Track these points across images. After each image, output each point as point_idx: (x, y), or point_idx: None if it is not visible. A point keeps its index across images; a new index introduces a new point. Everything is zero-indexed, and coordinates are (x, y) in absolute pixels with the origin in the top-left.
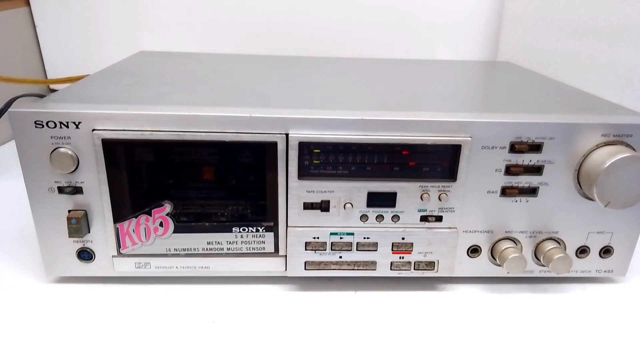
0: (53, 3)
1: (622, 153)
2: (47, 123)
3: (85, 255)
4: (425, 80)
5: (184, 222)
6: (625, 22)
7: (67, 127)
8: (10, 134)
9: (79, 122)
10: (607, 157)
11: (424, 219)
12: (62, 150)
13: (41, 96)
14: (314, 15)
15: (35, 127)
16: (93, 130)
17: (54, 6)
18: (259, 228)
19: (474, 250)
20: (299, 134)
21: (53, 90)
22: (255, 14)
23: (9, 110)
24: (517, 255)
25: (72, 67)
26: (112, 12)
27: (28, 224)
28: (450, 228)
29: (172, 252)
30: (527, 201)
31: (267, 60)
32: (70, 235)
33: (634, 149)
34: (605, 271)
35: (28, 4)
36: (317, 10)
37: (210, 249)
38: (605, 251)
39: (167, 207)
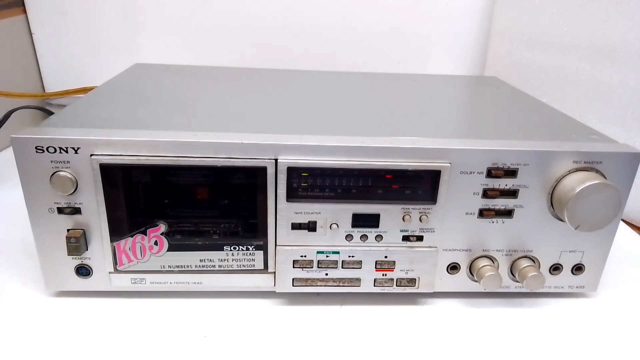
0: (50, 11)
1: (591, 180)
2: (47, 148)
3: (83, 271)
4: (411, 99)
5: (178, 241)
6: (606, 42)
7: (67, 152)
8: (7, 143)
9: (78, 148)
10: (577, 183)
11: (405, 238)
12: (61, 173)
13: (39, 109)
14: (308, 26)
15: (36, 152)
16: (91, 155)
17: (51, 15)
18: (249, 247)
19: (453, 267)
20: (287, 160)
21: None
22: (250, 24)
23: (11, 136)
24: (493, 273)
25: (69, 76)
26: (110, 20)
27: (28, 235)
28: (430, 247)
29: (167, 268)
30: (503, 222)
31: (260, 75)
32: (70, 253)
33: (604, 175)
34: (577, 287)
35: (25, 12)
36: (311, 21)
37: (203, 266)
38: (577, 268)
39: (162, 227)
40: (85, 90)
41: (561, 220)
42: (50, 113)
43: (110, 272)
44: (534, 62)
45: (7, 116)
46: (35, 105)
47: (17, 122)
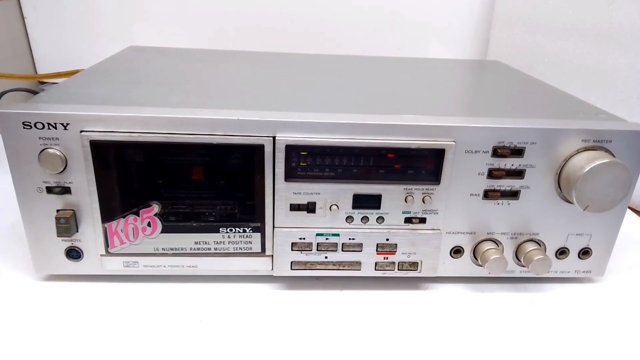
0: None
1: (601, 159)
2: (35, 124)
3: (74, 253)
4: (413, 80)
5: (172, 222)
6: (611, 25)
7: (56, 128)
8: None
9: (67, 124)
10: (586, 162)
11: (408, 220)
12: (50, 151)
13: (31, 91)
14: (308, 10)
15: (24, 127)
16: (81, 131)
17: None
18: (246, 228)
19: (456, 251)
20: (286, 137)
21: (43, 83)
22: (247, 8)
23: None
24: (498, 256)
25: (62, 60)
26: (104, 4)
27: (18, 219)
28: (433, 229)
29: (160, 251)
30: (508, 204)
31: (257, 57)
32: (59, 234)
33: (613, 155)
34: (583, 271)
35: None
36: (310, 6)
37: (198, 249)
38: (584, 252)
39: (155, 208)
40: (77, 72)
41: (569, 202)
42: None
43: (101, 255)
44: (537, 46)
45: None
46: (27, 87)
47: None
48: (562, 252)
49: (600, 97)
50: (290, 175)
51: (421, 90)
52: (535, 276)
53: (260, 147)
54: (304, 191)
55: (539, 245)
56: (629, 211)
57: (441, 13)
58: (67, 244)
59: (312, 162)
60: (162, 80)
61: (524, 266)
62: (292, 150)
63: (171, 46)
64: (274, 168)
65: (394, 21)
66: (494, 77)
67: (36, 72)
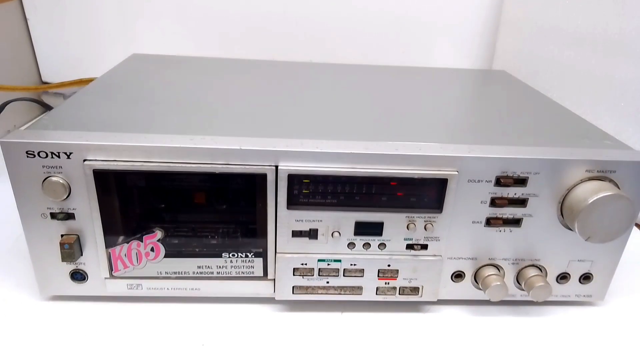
0: None
1: (604, 191)
2: (38, 153)
3: (78, 276)
4: (416, 98)
5: (175, 248)
6: (621, 36)
7: (59, 157)
8: (4, 132)
9: (70, 153)
10: (590, 194)
11: (409, 247)
12: (53, 179)
13: (34, 101)
14: (311, 14)
15: (27, 156)
16: (84, 160)
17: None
18: (249, 254)
19: (458, 276)
20: (288, 166)
21: (45, 84)
22: (250, 10)
23: (0, 140)
24: (498, 283)
25: (65, 63)
26: (106, 4)
27: (21, 235)
28: (435, 256)
29: (163, 274)
30: (510, 231)
31: (260, 67)
32: (64, 259)
33: (617, 185)
34: (584, 296)
35: None
36: (314, 10)
37: (201, 273)
38: (585, 277)
39: (158, 234)
40: (81, 82)
41: (571, 229)
42: (45, 105)
43: (105, 278)
44: (545, 54)
45: (1, 108)
46: (30, 97)
47: (12, 114)
48: (563, 277)
49: (608, 109)
50: (292, 203)
51: (425, 109)
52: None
53: (263, 176)
54: (306, 218)
55: (540, 270)
56: (635, 230)
57: (448, 18)
58: (72, 267)
59: (314, 190)
60: (162, 98)
61: (524, 290)
62: (295, 179)
63: (174, 48)
64: (277, 196)
65: (400, 25)
66: (499, 92)
67: (39, 72)
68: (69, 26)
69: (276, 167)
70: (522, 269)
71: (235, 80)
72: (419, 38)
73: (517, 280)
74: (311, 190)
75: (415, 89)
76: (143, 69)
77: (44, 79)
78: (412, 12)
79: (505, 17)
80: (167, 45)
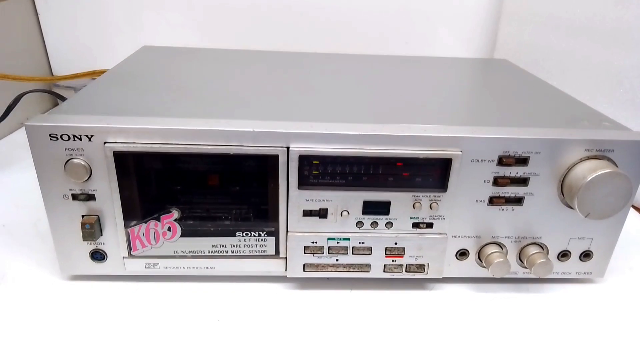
0: None
1: (603, 169)
2: (61, 136)
3: (98, 256)
4: (421, 84)
5: (191, 227)
6: (619, 24)
7: (80, 139)
8: (16, 126)
9: (92, 136)
10: (588, 172)
11: (415, 225)
12: (75, 161)
13: (47, 92)
14: (315, 6)
15: (50, 139)
16: (105, 143)
17: None
18: (261, 233)
19: (462, 254)
20: (299, 148)
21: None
22: (256, 5)
23: (25, 124)
24: (501, 260)
25: (76, 55)
26: None
27: (41, 218)
28: (440, 234)
29: (180, 254)
30: (512, 210)
31: (267, 57)
32: (85, 239)
33: (616, 164)
34: (584, 273)
35: None
36: (318, 1)
37: (215, 251)
38: (585, 255)
39: (175, 214)
40: (93, 73)
41: (571, 207)
42: (58, 96)
43: (124, 257)
44: (545, 43)
45: (16, 100)
46: (43, 88)
47: (25, 105)
48: (563, 255)
49: (606, 96)
50: (303, 183)
51: (429, 94)
52: (538, 277)
53: (275, 157)
54: (316, 198)
55: (542, 248)
56: (633, 212)
57: (450, 7)
58: (92, 247)
59: (323, 171)
60: (177, 86)
61: (526, 268)
62: (305, 160)
63: (182, 38)
64: (288, 176)
65: (402, 16)
66: (501, 79)
67: (50, 66)
68: (79, 20)
69: (287, 148)
70: (524, 246)
71: (246, 69)
72: (421, 29)
73: (520, 258)
74: (321, 171)
75: (419, 76)
76: (155, 59)
77: (55, 72)
78: (414, 3)
79: (506, 7)
80: (175, 36)
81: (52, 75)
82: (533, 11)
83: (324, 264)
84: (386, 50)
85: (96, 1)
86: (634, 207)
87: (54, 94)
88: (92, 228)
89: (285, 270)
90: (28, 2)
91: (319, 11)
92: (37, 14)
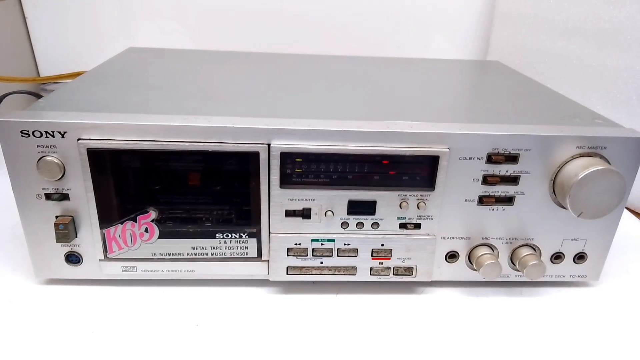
0: None
1: (595, 166)
2: (33, 132)
3: (73, 258)
4: (410, 83)
5: (169, 228)
6: (612, 25)
7: (53, 136)
8: None
9: (65, 132)
10: (580, 169)
11: (403, 226)
12: (48, 158)
13: (32, 94)
14: (306, 9)
15: (22, 136)
16: (78, 139)
17: None
18: (242, 234)
19: (452, 256)
20: (280, 144)
21: (45, 83)
22: (246, 8)
23: None
24: (492, 262)
25: (64, 60)
26: (106, 1)
27: (19, 222)
28: (428, 235)
29: (158, 256)
30: (503, 209)
31: (255, 58)
32: (58, 240)
33: (608, 161)
34: (579, 276)
35: None
36: (309, 5)
37: (195, 254)
38: (579, 257)
39: (152, 214)
40: (78, 74)
41: (563, 207)
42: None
43: (100, 260)
44: (538, 46)
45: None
46: (28, 90)
47: (9, 107)
48: (557, 257)
49: (600, 98)
50: (285, 182)
51: (417, 94)
52: (530, 280)
53: (255, 154)
54: (299, 197)
55: (534, 250)
56: (627, 214)
57: (442, 10)
58: (67, 249)
59: (307, 169)
60: (158, 84)
61: (518, 271)
62: (287, 157)
63: (172, 44)
64: (269, 175)
65: (395, 19)
66: (492, 79)
67: (38, 71)
68: (67, 23)
69: (269, 145)
70: (516, 248)
71: (231, 69)
72: (414, 32)
73: (511, 260)
74: (304, 169)
75: (409, 76)
76: (139, 59)
77: (42, 75)
78: (406, 7)
79: (499, 9)
80: (165, 40)
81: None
82: (526, 13)
83: (308, 267)
84: (379, 53)
85: (85, 5)
86: (628, 209)
87: (38, 96)
88: (66, 229)
89: (268, 273)
90: (15, 5)
91: (311, 15)
92: (24, 17)
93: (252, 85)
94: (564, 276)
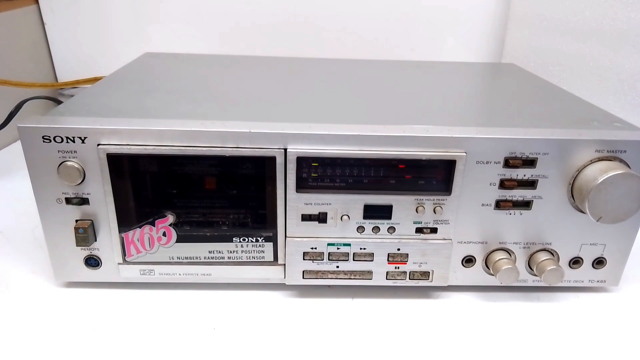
0: (61, 0)
1: (615, 170)
2: (54, 138)
3: (92, 261)
4: (425, 86)
5: (187, 232)
6: (630, 26)
7: (74, 141)
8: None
9: (85, 137)
10: (600, 173)
11: (419, 230)
12: (69, 163)
13: (51, 99)
14: (319, 12)
15: (43, 141)
16: (98, 144)
17: (63, 3)
18: (259, 238)
19: (468, 260)
20: (297, 149)
21: (62, 88)
22: (260, 11)
23: (18, 125)
24: (509, 267)
25: (81, 65)
26: (121, 7)
27: (39, 225)
28: (444, 239)
29: (175, 260)
30: (521, 214)
31: (270, 63)
32: (78, 244)
33: (628, 165)
34: (598, 281)
35: (37, 1)
36: (322, 8)
37: (212, 257)
38: (598, 262)
39: (170, 218)
40: (96, 80)
41: (582, 212)
42: (61, 103)
43: (119, 263)
44: (554, 48)
45: (18, 107)
46: (46, 95)
47: (29, 113)
48: (575, 262)
49: (618, 100)
50: (301, 186)
51: (433, 97)
52: (548, 286)
53: (272, 159)
54: (315, 202)
55: (552, 255)
56: None
57: (456, 13)
58: (86, 253)
59: (323, 173)
60: (174, 89)
61: (536, 275)
62: (303, 162)
63: (186, 47)
64: (286, 179)
65: (408, 22)
66: (508, 81)
67: (55, 75)
68: (84, 29)
69: (285, 150)
70: (534, 253)
71: (246, 73)
72: (428, 35)
73: (529, 265)
74: (320, 174)
75: (424, 80)
76: (155, 65)
77: (60, 81)
78: (420, 9)
79: (514, 11)
80: (179, 45)
81: (56, 81)
82: (541, 15)
83: (324, 271)
84: (392, 57)
85: (101, 12)
86: None
87: (56, 101)
88: (85, 233)
89: (284, 277)
90: (34, 12)
91: (323, 19)
92: (43, 24)
93: (268, 89)
94: (582, 281)
